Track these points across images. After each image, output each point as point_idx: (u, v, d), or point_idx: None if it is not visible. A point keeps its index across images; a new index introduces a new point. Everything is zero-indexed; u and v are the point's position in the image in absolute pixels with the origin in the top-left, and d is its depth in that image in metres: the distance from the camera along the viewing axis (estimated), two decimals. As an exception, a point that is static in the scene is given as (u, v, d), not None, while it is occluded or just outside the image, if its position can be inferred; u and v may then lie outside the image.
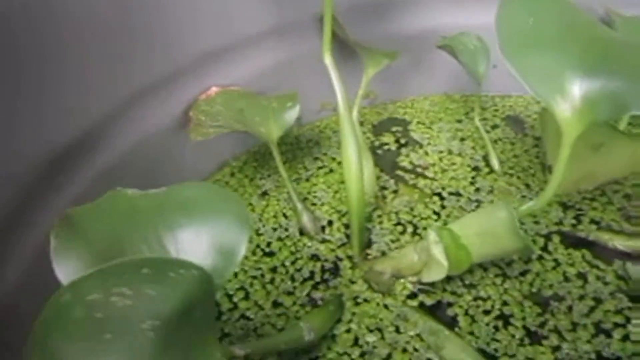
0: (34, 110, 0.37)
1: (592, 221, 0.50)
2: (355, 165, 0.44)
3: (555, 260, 0.47)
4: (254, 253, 0.49)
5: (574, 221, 0.51)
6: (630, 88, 0.34)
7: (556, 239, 0.49)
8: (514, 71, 0.36)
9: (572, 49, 0.37)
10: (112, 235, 0.27)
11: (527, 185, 0.55)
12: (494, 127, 0.63)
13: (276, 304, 0.44)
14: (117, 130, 0.45)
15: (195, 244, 0.27)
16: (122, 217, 0.28)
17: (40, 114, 0.38)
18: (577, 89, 0.36)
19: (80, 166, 0.42)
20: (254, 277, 0.47)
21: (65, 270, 0.26)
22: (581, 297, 0.44)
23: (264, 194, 0.55)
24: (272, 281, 0.46)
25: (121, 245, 0.27)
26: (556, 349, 0.41)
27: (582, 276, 0.46)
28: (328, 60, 0.44)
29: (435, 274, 0.42)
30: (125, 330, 0.23)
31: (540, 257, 0.47)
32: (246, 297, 0.45)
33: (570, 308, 0.43)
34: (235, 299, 0.45)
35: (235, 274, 0.47)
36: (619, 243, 0.48)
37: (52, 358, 0.22)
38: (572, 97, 0.36)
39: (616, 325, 0.42)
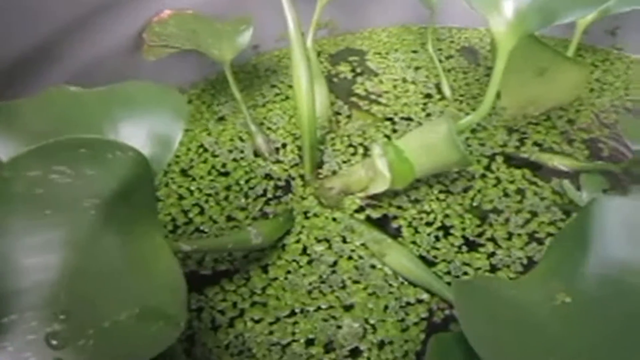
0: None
1: (535, 144, 0.53)
2: (306, 88, 0.45)
3: (497, 178, 0.49)
4: (209, 173, 0.50)
5: (517, 143, 0.53)
6: (558, 1, 0.36)
7: (499, 159, 0.51)
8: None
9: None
10: (54, 124, 0.28)
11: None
12: (449, 57, 0.64)
13: (230, 219, 0.46)
14: (70, 51, 0.46)
15: (135, 134, 0.29)
16: (65, 109, 0.29)
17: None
18: (510, 4, 0.37)
19: (34, 79, 0.42)
20: (209, 195, 0.48)
21: (7, 152, 0.27)
22: (518, 211, 0.47)
23: (221, 119, 0.56)
24: (226, 198, 0.48)
25: (63, 133, 0.28)
26: (491, 255, 0.43)
27: (520, 192, 0.48)
28: (279, -19, 0.44)
29: (379, 186, 0.44)
30: (65, 207, 0.24)
31: (483, 176, 0.50)
32: (201, 212, 0.47)
33: (507, 220, 0.46)
34: (190, 215, 0.47)
35: (191, 192, 0.48)
36: (559, 162, 0.51)
37: (-4, 231, 0.23)
38: (506, 11, 0.37)
39: (549, 234, 0.45)
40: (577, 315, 0.25)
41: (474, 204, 0.47)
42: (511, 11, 0.37)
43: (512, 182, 0.49)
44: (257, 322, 0.39)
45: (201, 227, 0.45)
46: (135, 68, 0.52)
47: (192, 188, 0.49)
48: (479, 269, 0.42)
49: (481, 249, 0.44)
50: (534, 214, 0.46)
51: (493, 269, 0.42)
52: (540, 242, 0.44)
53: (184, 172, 0.50)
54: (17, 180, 0.23)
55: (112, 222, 0.25)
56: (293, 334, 0.38)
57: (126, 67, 0.51)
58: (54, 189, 0.24)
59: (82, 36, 0.46)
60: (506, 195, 0.48)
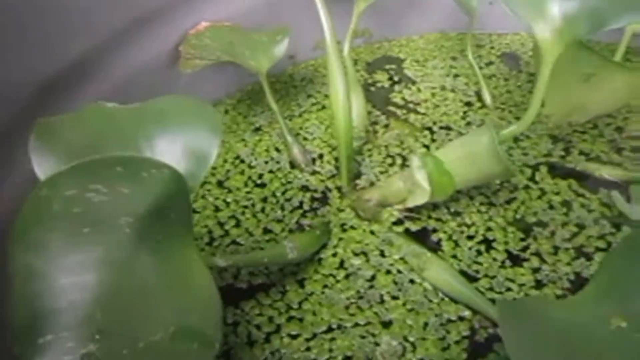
0: (23, 43, 0.38)
1: (581, 153, 0.51)
2: (343, 98, 0.45)
3: (541, 189, 0.48)
4: (245, 185, 0.50)
5: (562, 153, 0.51)
6: (607, 4, 0.34)
7: (544, 169, 0.49)
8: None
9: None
10: (90, 141, 0.28)
11: (519, 119, 0.54)
12: (489, 64, 0.63)
13: (266, 231, 0.46)
14: (108, 65, 0.46)
15: (170, 150, 0.28)
16: (101, 125, 0.29)
17: (30, 46, 0.38)
18: (556, 9, 0.36)
19: (70, 101, 0.43)
20: (245, 207, 0.48)
21: (44, 169, 0.27)
22: (564, 224, 0.45)
23: (257, 129, 0.56)
24: (262, 210, 0.47)
25: (100, 151, 0.28)
26: (536, 270, 0.42)
27: (566, 204, 0.46)
28: (315, -8, 0.44)
29: (419, 199, 0.43)
30: (102, 225, 0.24)
31: (526, 187, 0.48)
32: (237, 224, 0.46)
33: (553, 233, 0.44)
34: (226, 227, 0.46)
35: (227, 204, 0.48)
36: (607, 172, 0.49)
37: (34, 249, 0.23)
38: (552, 17, 0.36)
39: (598, 249, 0.43)
40: (634, 342, 0.24)
41: (518, 216, 0.46)
42: (558, 17, 0.36)
43: (557, 193, 0.47)
44: (293, 337, 0.39)
45: (237, 240, 0.45)
46: (172, 80, 0.52)
47: (229, 200, 0.48)
48: (523, 285, 0.41)
49: (525, 264, 0.42)
50: (581, 227, 0.44)
51: (538, 285, 0.41)
52: (588, 257, 0.42)
53: (220, 184, 0.50)
54: (55, 199, 0.23)
55: (148, 240, 0.25)
56: (330, 350, 0.38)
57: (163, 79, 0.51)
58: (90, 207, 0.24)
59: (119, 50, 0.46)
60: (551, 207, 0.46)
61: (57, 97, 0.41)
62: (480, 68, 0.61)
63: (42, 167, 0.27)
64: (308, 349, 0.38)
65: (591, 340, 0.24)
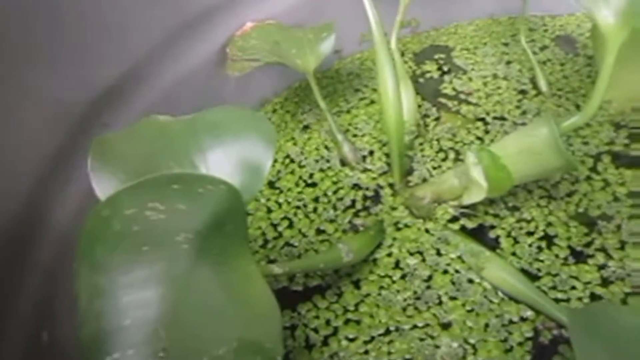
0: (74, 53, 0.39)
1: (647, 139, 0.48)
2: (392, 92, 0.44)
3: (604, 180, 0.45)
4: (297, 185, 0.50)
5: (626, 141, 0.48)
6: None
7: (606, 159, 0.47)
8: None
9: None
10: (146, 156, 0.29)
11: (578, 106, 0.52)
12: (543, 48, 0.60)
13: (319, 231, 0.45)
14: (156, 70, 0.47)
15: (224, 163, 0.28)
16: (155, 140, 0.30)
17: (80, 56, 0.39)
18: (620, -8, 0.34)
19: (121, 107, 0.43)
20: (298, 207, 0.48)
21: (103, 188, 0.27)
22: (631, 217, 0.43)
23: (306, 127, 0.55)
24: (314, 210, 0.47)
25: (155, 165, 0.28)
26: (602, 267, 0.40)
27: (633, 195, 0.44)
28: (360, -16, 0.43)
29: (475, 196, 0.41)
30: (160, 243, 0.24)
31: (588, 178, 0.46)
32: (290, 226, 0.46)
33: (618, 227, 0.42)
34: (279, 229, 0.46)
35: (280, 205, 0.48)
36: (675, 160, 0.46)
37: (97, 268, 0.24)
38: (615, 1, 0.34)
39: (668, 242, 0.41)
40: None
41: (580, 210, 0.44)
42: (622, 1, 0.34)
43: (622, 184, 0.45)
44: (351, 340, 0.38)
45: (291, 241, 0.45)
46: (221, 83, 0.52)
47: (281, 200, 0.48)
48: (588, 283, 0.39)
49: (590, 261, 0.40)
50: (650, 220, 0.42)
51: (605, 282, 0.39)
52: (658, 251, 0.40)
53: (271, 185, 0.50)
54: (115, 218, 0.24)
55: (206, 254, 0.25)
56: (389, 353, 0.37)
57: (211, 83, 0.51)
58: (149, 225, 0.24)
59: (167, 57, 0.47)
60: (616, 199, 0.44)
61: (109, 110, 0.42)
62: (534, 53, 0.59)
63: (101, 185, 0.27)
64: (366, 352, 0.38)
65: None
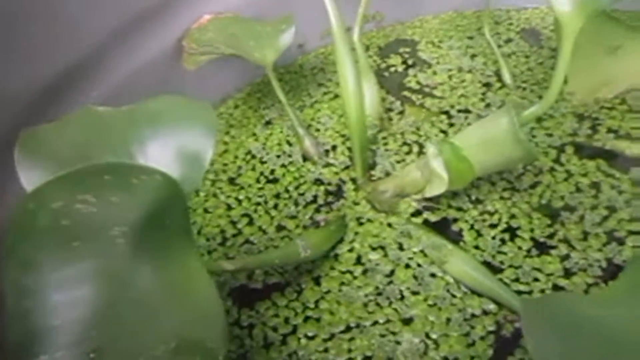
0: (22, 43, 0.37)
1: (610, 130, 0.48)
2: (353, 86, 0.43)
3: (567, 171, 0.45)
4: (257, 181, 0.48)
5: (589, 131, 0.48)
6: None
7: (570, 150, 0.47)
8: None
9: None
10: (80, 148, 0.27)
11: (542, 98, 0.52)
12: (508, 41, 0.60)
13: (280, 228, 0.44)
14: (109, 63, 0.45)
15: (163, 153, 0.27)
16: (92, 131, 0.28)
17: (29, 47, 0.37)
18: (575, -23, 0.33)
19: (70, 101, 0.42)
20: (258, 204, 0.46)
21: (32, 181, 0.26)
22: (594, 207, 0.42)
23: (268, 123, 0.54)
24: (275, 206, 0.46)
25: (89, 158, 0.27)
26: (565, 258, 0.39)
27: (595, 186, 0.44)
28: (319, -25, 0.42)
29: (436, 188, 0.41)
30: (93, 237, 0.23)
31: (551, 169, 0.45)
32: (250, 223, 0.45)
33: (581, 218, 0.42)
34: (239, 226, 0.45)
35: (240, 202, 0.47)
36: (638, 150, 0.46)
37: (25, 266, 0.22)
38: (571, -14, 0.33)
39: (630, 232, 0.40)
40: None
41: (543, 201, 0.43)
42: (577, -13, 0.33)
43: (585, 175, 0.45)
44: (310, 338, 0.37)
45: (250, 239, 0.44)
46: (178, 78, 0.50)
47: (241, 197, 0.47)
48: (551, 274, 0.38)
49: (553, 252, 0.40)
50: (612, 210, 0.42)
51: (567, 274, 0.38)
52: (620, 241, 0.40)
53: (231, 181, 0.49)
54: (42, 212, 0.22)
55: (144, 249, 0.24)
56: (349, 351, 0.36)
57: (168, 78, 0.50)
58: (80, 219, 0.22)
59: (120, 50, 0.45)
60: (579, 190, 0.44)
61: (57, 104, 0.40)
62: (499, 46, 0.58)
63: (29, 179, 0.26)
64: (326, 349, 0.36)
65: (624, 341, 0.22)
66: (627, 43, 0.47)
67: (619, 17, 0.46)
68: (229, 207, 0.46)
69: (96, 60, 0.43)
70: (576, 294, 0.36)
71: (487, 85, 0.55)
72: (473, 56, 0.58)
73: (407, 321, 0.37)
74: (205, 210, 0.46)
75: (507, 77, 0.54)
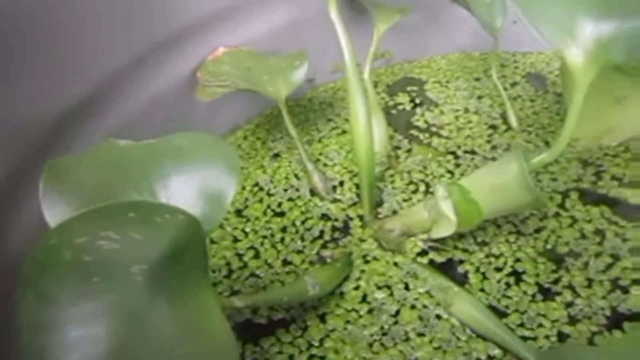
0: (39, 69, 0.37)
1: (614, 177, 0.49)
2: (363, 123, 0.43)
3: (572, 217, 0.46)
4: (264, 214, 0.49)
5: (593, 178, 0.49)
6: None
7: (574, 195, 0.47)
8: (522, 17, 0.35)
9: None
10: (103, 182, 0.27)
11: (547, 143, 0.53)
12: (514, 84, 0.61)
13: (285, 262, 0.44)
14: (126, 91, 0.45)
15: (186, 191, 0.27)
16: (114, 165, 0.28)
17: (45, 74, 0.38)
18: (589, 31, 0.34)
19: (85, 128, 0.42)
20: (264, 237, 0.47)
21: (55, 214, 0.26)
22: (598, 254, 0.43)
23: (276, 155, 0.55)
24: (282, 240, 0.46)
25: (112, 192, 0.27)
26: (569, 304, 0.40)
27: (600, 233, 0.44)
28: (334, 14, 0.43)
29: (444, 230, 0.41)
30: (113, 274, 0.23)
31: (556, 214, 0.46)
32: (256, 256, 0.45)
33: (586, 265, 0.42)
34: (245, 258, 0.45)
35: (246, 234, 0.47)
36: (641, 199, 0.47)
37: (44, 300, 0.22)
38: (583, 40, 0.34)
39: (634, 281, 0.40)
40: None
41: (548, 246, 0.43)
42: (591, 40, 0.34)
43: (589, 221, 0.45)
44: (315, 377, 0.37)
45: (256, 272, 0.44)
46: (190, 108, 0.51)
47: (247, 230, 0.47)
48: (556, 321, 0.39)
49: (558, 298, 0.40)
50: (616, 258, 0.42)
51: (572, 320, 0.39)
52: (624, 290, 0.40)
53: (238, 213, 0.49)
54: (65, 247, 0.22)
55: (162, 287, 0.24)
56: (353, 391, 0.36)
57: (181, 108, 0.50)
58: (102, 255, 0.23)
59: (135, 80, 0.46)
60: (583, 236, 0.44)
61: (71, 134, 0.40)
62: (505, 89, 0.59)
63: (52, 212, 0.26)
64: (330, 389, 0.36)
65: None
66: (632, 94, 0.48)
67: (623, 67, 0.47)
68: (235, 239, 0.47)
69: (111, 89, 0.44)
70: (584, 346, 0.36)
71: (493, 127, 0.55)
72: (480, 98, 0.59)
73: (412, 363, 0.37)
74: (212, 241, 0.46)
75: (512, 120, 0.55)
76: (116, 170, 0.28)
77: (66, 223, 0.22)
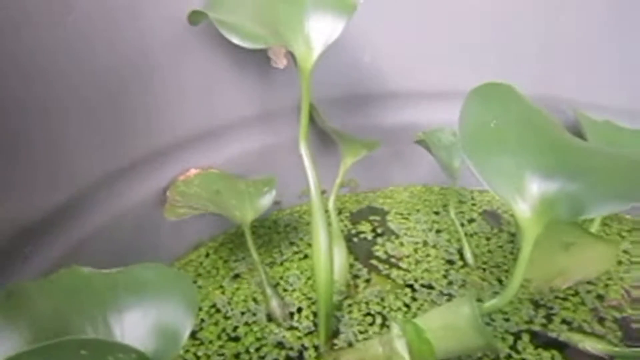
0: (6, 177, 0.38)
1: (564, 321, 0.50)
2: (325, 254, 0.45)
3: (523, 359, 0.46)
4: (219, 337, 0.48)
5: (544, 320, 0.50)
6: (587, 191, 0.35)
7: (526, 337, 0.48)
8: (474, 170, 0.38)
9: (532, 151, 0.38)
10: (59, 312, 0.27)
11: (500, 281, 0.55)
12: (471, 221, 0.64)
13: (236, 392, 0.43)
14: (95, 205, 0.46)
15: (141, 325, 0.27)
16: (72, 295, 0.28)
17: (12, 182, 0.38)
18: (535, 189, 0.37)
19: (50, 239, 0.42)
20: (217, 363, 0.46)
21: (6, 347, 0.25)
22: (549, 401, 0.43)
23: (237, 276, 0.55)
24: (234, 367, 0.45)
25: (67, 324, 0.27)
26: None
27: (550, 378, 0.45)
28: (303, 149, 0.45)
29: (397, 369, 0.41)
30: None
31: (508, 356, 0.46)
32: (206, 383, 0.44)
33: (537, 412, 0.42)
34: (194, 385, 0.44)
35: (198, 358, 0.46)
36: (590, 346, 0.48)
37: None
38: (531, 197, 0.37)
39: None
40: None
41: (500, 390, 0.44)
42: (537, 197, 0.36)
43: (540, 365, 0.46)
44: None
45: (205, 401, 0.42)
46: (157, 222, 0.51)
47: (200, 354, 0.46)
48: None
49: None
50: (567, 406, 0.42)
51: None
52: None
53: (193, 334, 0.48)
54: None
55: None
56: None
57: (146, 223, 0.51)
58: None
59: (104, 194, 0.47)
60: (535, 381, 0.44)
61: (37, 238, 0.40)
62: (462, 225, 0.62)
63: (4, 344, 0.25)
64: None
65: None
66: (579, 241, 0.50)
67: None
68: (187, 363, 0.45)
69: (78, 202, 0.44)
70: None
71: (450, 262, 0.57)
72: (438, 231, 0.62)
73: None
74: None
75: (468, 257, 0.57)
76: (74, 300, 0.28)
77: (14, 358, 0.22)
